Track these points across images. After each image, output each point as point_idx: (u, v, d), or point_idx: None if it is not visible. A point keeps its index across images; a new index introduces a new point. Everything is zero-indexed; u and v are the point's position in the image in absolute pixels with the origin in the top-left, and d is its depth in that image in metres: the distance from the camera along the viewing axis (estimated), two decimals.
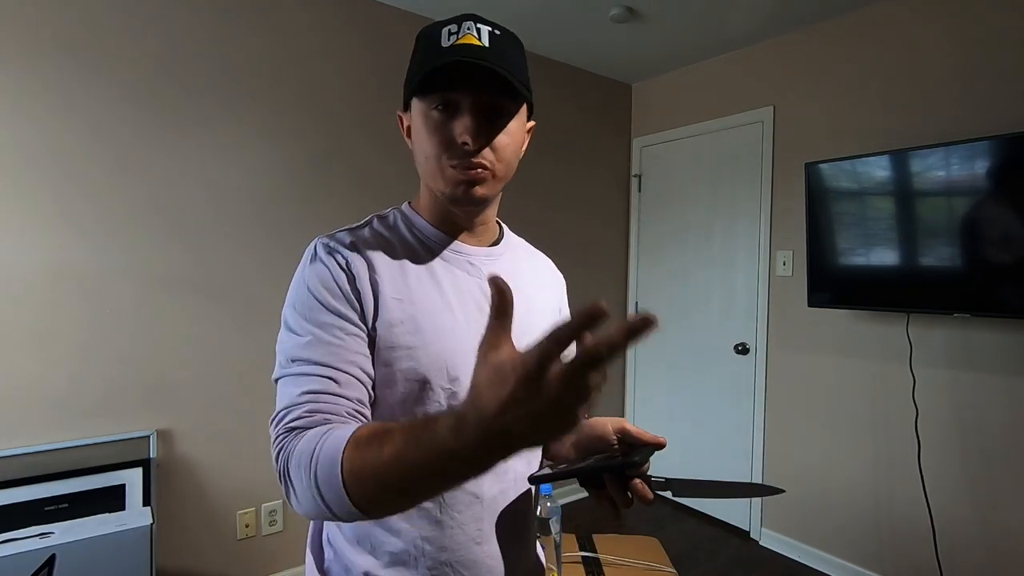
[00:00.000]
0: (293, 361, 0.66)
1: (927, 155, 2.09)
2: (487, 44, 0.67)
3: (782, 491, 0.65)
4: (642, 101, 3.45)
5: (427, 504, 0.70)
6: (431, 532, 0.70)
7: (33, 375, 1.77)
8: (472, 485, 0.71)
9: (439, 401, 0.69)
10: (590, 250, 3.33)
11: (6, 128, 1.72)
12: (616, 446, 0.73)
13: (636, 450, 0.68)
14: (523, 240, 0.92)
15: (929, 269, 2.10)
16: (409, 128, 0.76)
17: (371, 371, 0.68)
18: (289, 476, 0.57)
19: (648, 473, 0.66)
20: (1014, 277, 1.90)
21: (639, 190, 3.47)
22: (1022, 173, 1.88)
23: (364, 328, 0.68)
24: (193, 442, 2.05)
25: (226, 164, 2.11)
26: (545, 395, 0.40)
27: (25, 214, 1.75)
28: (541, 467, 0.78)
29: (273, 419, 0.64)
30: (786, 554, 2.67)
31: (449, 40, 0.67)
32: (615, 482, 0.66)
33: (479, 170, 0.69)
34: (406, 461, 0.48)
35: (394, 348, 0.68)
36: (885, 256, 2.22)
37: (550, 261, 0.95)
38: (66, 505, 1.75)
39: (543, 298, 0.86)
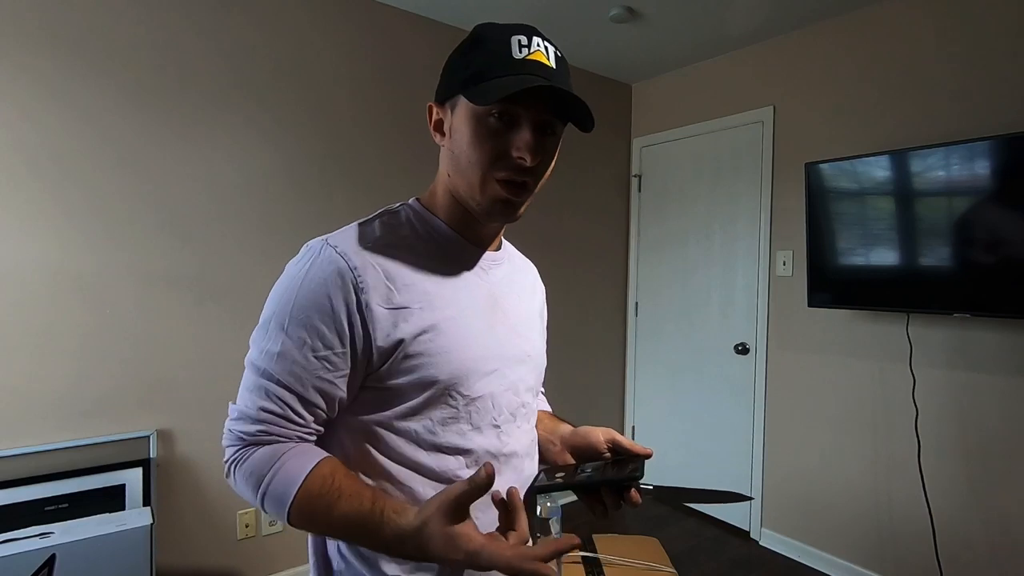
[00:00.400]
0: (256, 365, 0.68)
1: (927, 155, 2.09)
2: (555, 66, 0.67)
3: (750, 498, 0.72)
4: (642, 101, 3.45)
5: None
6: None
7: (33, 375, 1.77)
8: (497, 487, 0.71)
9: (458, 407, 0.70)
10: (590, 250, 3.33)
11: (5, 127, 1.72)
12: (607, 455, 0.78)
13: (630, 461, 0.73)
14: (513, 247, 0.92)
15: (929, 269, 2.10)
16: (439, 122, 0.73)
17: (338, 394, 0.67)
18: (235, 474, 0.68)
19: (639, 479, 0.74)
20: (1014, 277, 1.90)
21: (639, 190, 3.47)
22: (1022, 173, 1.88)
23: (347, 350, 0.65)
24: (193, 442, 2.05)
25: (227, 164, 2.11)
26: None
27: (24, 213, 1.75)
28: (538, 474, 0.80)
29: (231, 409, 0.70)
30: (786, 554, 2.67)
31: (521, 53, 0.65)
32: (610, 491, 0.71)
33: (525, 189, 0.69)
34: (348, 529, 0.63)
35: (413, 356, 0.66)
36: (885, 256, 2.22)
37: (536, 270, 0.95)
38: (66, 505, 1.75)
39: (534, 302, 0.89)
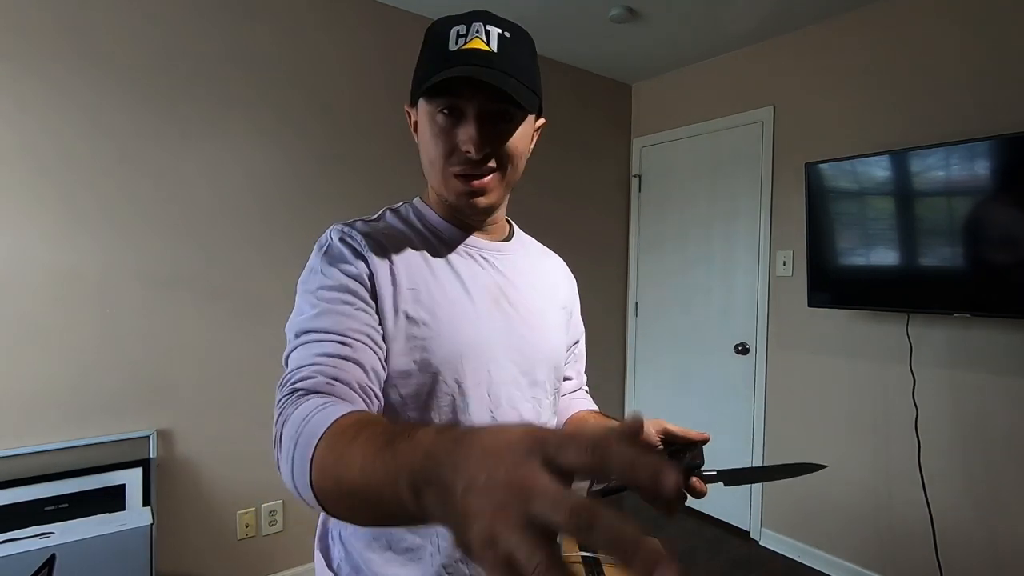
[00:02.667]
0: (302, 333, 0.63)
1: (927, 155, 2.08)
2: (495, 49, 0.66)
3: (824, 466, 0.65)
4: (642, 101, 3.45)
5: None
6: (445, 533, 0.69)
7: (33, 375, 1.77)
8: None
9: (452, 395, 0.69)
10: (590, 250, 3.33)
11: (12, 128, 1.72)
12: (661, 447, 0.73)
13: (688, 449, 0.69)
14: (535, 240, 0.92)
15: (929, 269, 2.10)
16: (416, 124, 0.75)
17: (382, 344, 0.66)
18: (281, 441, 0.52)
19: (701, 468, 0.69)
20: (1014, 277, 1.90)
21: (639, 190, 3.47)
22: (1022, 173, 1.88)
23: (374, 307, 0.67)
24: (193, 442, 2.05)
25: (231, 163, 2.11)
26: (512, 487, 0.28)
27: (27, 213, 1.75)
28: (590, 481, 0.71)
29: (281, 382, 0.60)
30: (786, 554, 2.67)
31: (457, 43, 0.66)
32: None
33: (484, 178, 0.69)
34: (365, 458, 0.41)
35: (408, 339, 0.68)
36: (885, 256, 2.21)
37: (563, 262, 0.95)
38: (66, 505, 1.75)
39: (556, 296, 0.86)
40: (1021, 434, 2.02)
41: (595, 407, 0.95)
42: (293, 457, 0.49)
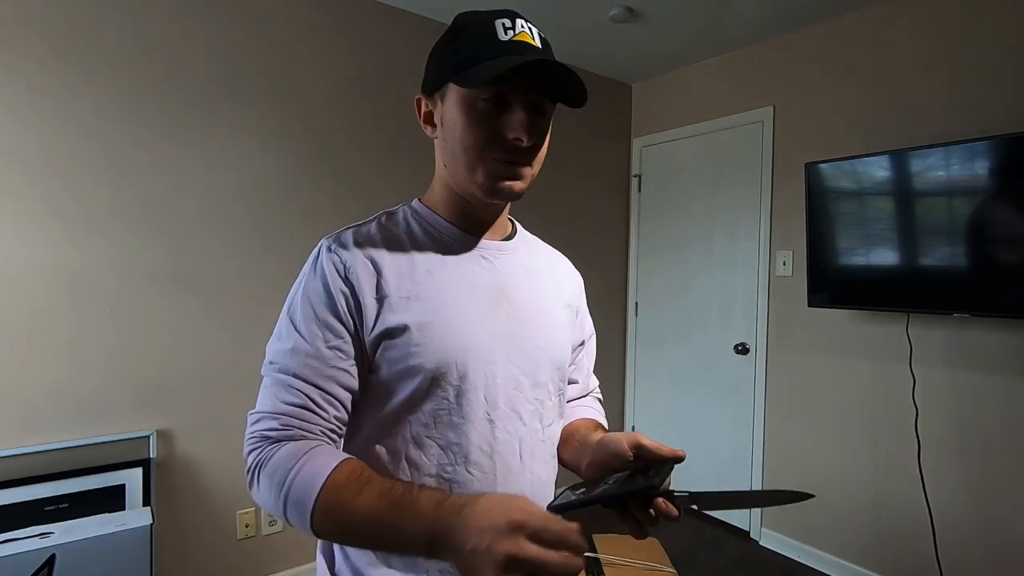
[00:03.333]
0: (273, 363, 0.68)
1: (927, 155, 2.08)
2: (540, 46, 0.68)
3: (811, 496, 0.62)
4: (642, 101, 3.45)
5: None
6: None
7: (33, 375, 1.77)
8: (494, 487, 0.70)
9: (449, 398, 0.68)
10: (590, 250, 3.33)
11: (2, 131, 1.72)
12: (632, 461, 0.69)
13: (654, 467, 0.65)
14: (539, 239, 0.91)
15: (929, 269, 2.10)
16: (429, 114, 0.73)
17: (353, 384, 0.68)
18: (258, 478, 0.64)
19: (671, 489, 0.63)
20: (1014, 277, 1.90)
21: (639, 190, 3.47)
22: (1022, 173, 1.88)
23: (352, 339, 0.68)
24: (193, 442, 2.05)
25: (219, 165, 2.11)
26: (505, 556, 0.49)
27: (21, 215, 1.75)
28: (562, 491, 0.72)
29: (251, 416, 0.68)
30: (786, 554, 2.67)
31: (507, 35, 0.66)
32: (639, 502, 0.63)
33: (523, 167, 0.70)
34: (374, 514, 0.57)
35: (401, 345, 0.67)
36: (885, 256, 2.22)
37: (568, 261, 0.94)
38: (66, 505, 1.75)
39: (559, 294, 0.85)
40: (1021, 434, 2.02)
41: (597, 412, 0.93)
42: (285, 504, 0.60)
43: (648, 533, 0.63)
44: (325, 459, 0.61)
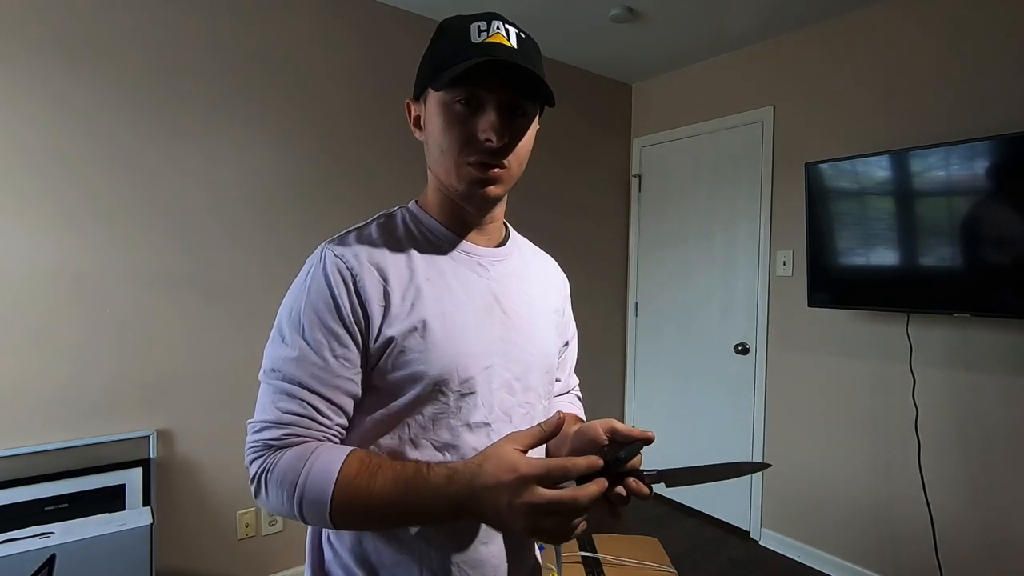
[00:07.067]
0: (276, 370, 0.68)
1: (927, 155, 2.09)
2: (515, 46, 0.68)
3: (768, 465, 0.69)
4: (642, 101, 3.45)
5: None
6: (441, 531, 0.70)
7: (33, 375, 1.77)
8: None
9: (449, 403, 0.69)
10: (590, 250, 3.33)
11: (2, 128, 1.72)
12: (606, 446, 0.71)
13: (624, 447, 0.66)
14: (527, 240, 0.91)
15: (929, 269, 2.10)
16: (418, 118, 0.75)
17: (356, 391, 0.69)
18: (265, 486, 0.65)
19: (640, 468, 0.67)
20: (1014, 277, 1.90)
21: (639, 190, 3.47)
22: (1022, 173, 1.88)
23: (357, 347, 0.68)
24: (193, 442, 2.05)
25: (224, 163, 2.11)
26: (527, 505, 0.56)
27: (24, 214, 1.75)
28: None
29: (252, 425, 0.68)
30: (786, 554, 2.67)
31: (479, 37, 0.67)
32: (610, 482, 0.64)
33: (497, 169, 0.69)
34: (392, 499, 0.61)
35: (404, 352, 0.68)
36: (885, 256, 2.22)
37: (554, 262, 0.94)
38: (66, 505, 1.75)
39: (547, 299, 0.86)
40: (1021, 434, 2.02)
41: (576, 408, 0.97)
42: (300, 505, 0.62)
43: (621, 514, 0.66)
44: (332, 455, 0.63)
